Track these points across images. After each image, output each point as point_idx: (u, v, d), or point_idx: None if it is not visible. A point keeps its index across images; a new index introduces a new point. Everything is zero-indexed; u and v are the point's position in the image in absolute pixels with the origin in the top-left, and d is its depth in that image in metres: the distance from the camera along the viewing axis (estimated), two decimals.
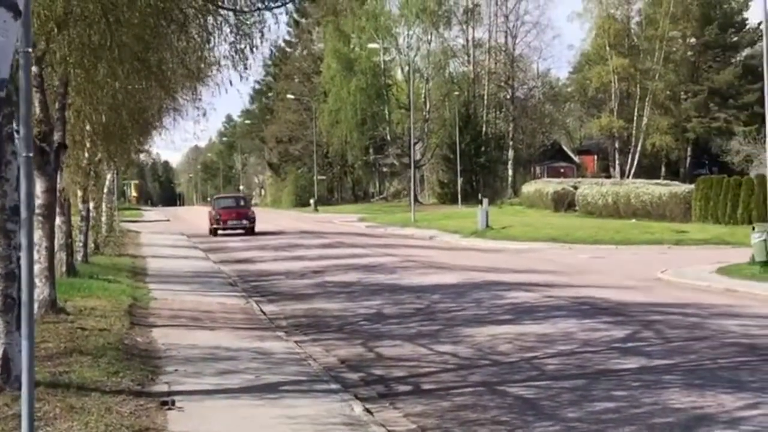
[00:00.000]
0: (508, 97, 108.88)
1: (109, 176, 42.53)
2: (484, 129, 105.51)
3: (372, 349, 17.41)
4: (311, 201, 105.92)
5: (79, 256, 29.37)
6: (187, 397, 12.28)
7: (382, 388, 13.98)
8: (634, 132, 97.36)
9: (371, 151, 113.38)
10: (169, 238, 54.92)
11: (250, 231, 57.19)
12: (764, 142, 67.17)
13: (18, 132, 11.17)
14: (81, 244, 30.70)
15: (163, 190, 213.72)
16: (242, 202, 62.99)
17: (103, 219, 43.12)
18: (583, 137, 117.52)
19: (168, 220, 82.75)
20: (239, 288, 27.67)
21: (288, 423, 11.10)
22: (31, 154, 8.37)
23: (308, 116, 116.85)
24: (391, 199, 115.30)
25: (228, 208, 59.45)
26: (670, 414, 12.08)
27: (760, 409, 12.33)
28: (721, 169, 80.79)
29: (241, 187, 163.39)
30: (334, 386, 13.51)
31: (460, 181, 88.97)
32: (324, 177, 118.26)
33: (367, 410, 12.08)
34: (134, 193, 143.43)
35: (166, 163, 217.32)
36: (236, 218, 58.07)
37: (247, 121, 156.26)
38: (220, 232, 57.60)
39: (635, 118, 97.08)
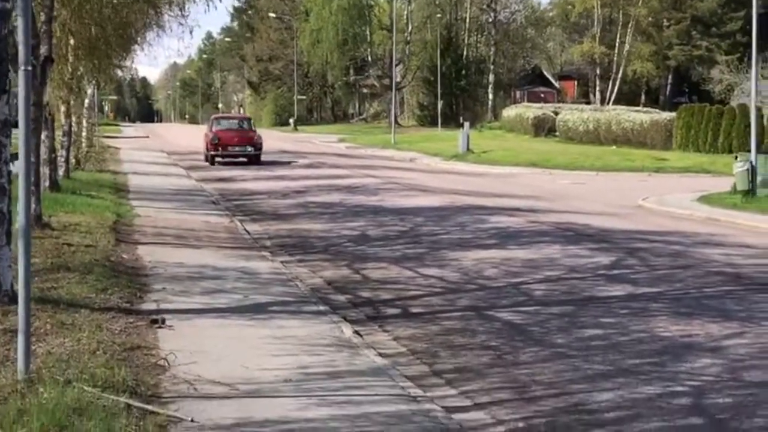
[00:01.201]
0: (490, 20, 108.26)
1: (89, 91, 42.12)
2: (465, 52, 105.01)
3: (358, 270, 17.40)
4: (291, 120, 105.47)
5: (61, 171, 29.17)
6: (177, 315, 12.25)
7: (370, 310, 13.99)
8: (615, 58, 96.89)
9: (352, 71, 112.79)
10: (149, 155, 54.57)
11: (255, 160, 47.76)
12: (746, 71, 67.17)
13: (6, 44, 11.02)
14: (63, 160, 30.49)
15: (140, 106, 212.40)
16: (246, 124, 51.50)
17: (84, 134, 42.80)
18: (564, 63, 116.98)
19: (147, 137, 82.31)
20: (222, 207, 27.58)
21: (278, 344, 11.08)
22: (30, 68, 8.25)
23: (289, 35, 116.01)
24: (370, 121, 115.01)
25: (229, 131, 48.85)
26: (658, 342, 12.13)
27: (746, 338, 12.41)
28: (701, 97, 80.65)
29: (220, 105, 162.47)
30: (322, 308, 13.50)
31: (440, 104, 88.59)
32: (304, 97, 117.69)
33: (357, 332, 12.08)
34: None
35: (144, 79, 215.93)
36: (239, 143, 47.85)
37: (227, 39, 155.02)
38: (218, 160, 47.58)
39: (617, 44, 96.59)
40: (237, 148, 47.69)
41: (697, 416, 9.17)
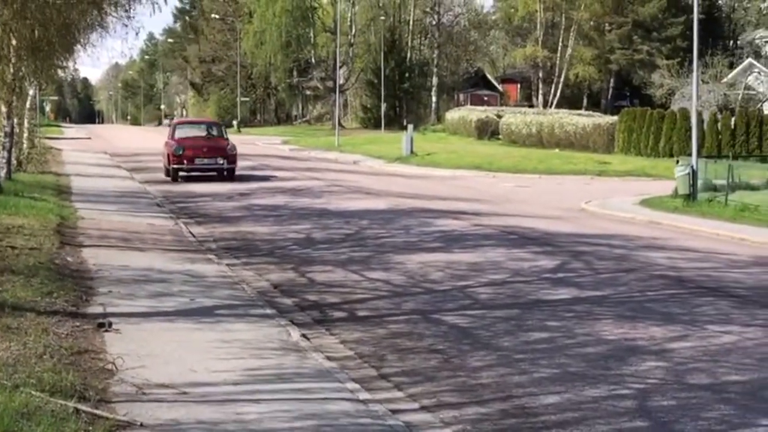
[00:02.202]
0: (434, 23, 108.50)
1: (31, 92, 41.73)
2: (408, 55, 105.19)
3: (304, 274, 17.41)
4: (234, 122, 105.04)
5: (2, 173, 28.91)
6: (123, 319, 12.21)
7: (317, 314, 14.01)
8: (557, 62, 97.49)
9: (295, 73, 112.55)
10: (92, 156, 54.07)
11: (228, 175, 38.61)
12: (686, 75, 67.82)
13: None
14: (5, 161, 30.21)
15: (81, 107, 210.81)
16: (215, 131, 41.79)
17: (25, 136, 42.41)
18: (507, 66, 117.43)
19: (89, 138, 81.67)
20: (166, 209, 27.47)
21: (225, 347, 11.08)
22: None
23: (232, 37, 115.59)
24: (314, 122, 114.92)
25: (196, 140, 39.57)
26: (603, 344, 12.26)
27: (689, 341, 12.56)
28: (643, 101, 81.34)
29: (163, 106, 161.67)
30: (269, 311, 13.51)
31: (383, 106, 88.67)
32: (247, 98, 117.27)
33: (304, 336, 12.10)
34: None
35: (85, 79, 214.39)
36: (208, 155, 38.46)
37: (170, 40, 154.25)
38: (182, 174, 38.38)
39: (559, 48, 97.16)
40: (206, 161, 38.22)
41: (642, 419, 9.27)
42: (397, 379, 10.60)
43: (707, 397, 10.02)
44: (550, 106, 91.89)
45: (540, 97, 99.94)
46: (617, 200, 33.83)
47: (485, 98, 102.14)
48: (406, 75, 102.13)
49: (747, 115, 54.76)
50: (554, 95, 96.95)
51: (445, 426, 9.01)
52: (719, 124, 53.97)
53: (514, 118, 69.34)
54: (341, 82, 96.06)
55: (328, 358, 11.02)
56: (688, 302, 15.40)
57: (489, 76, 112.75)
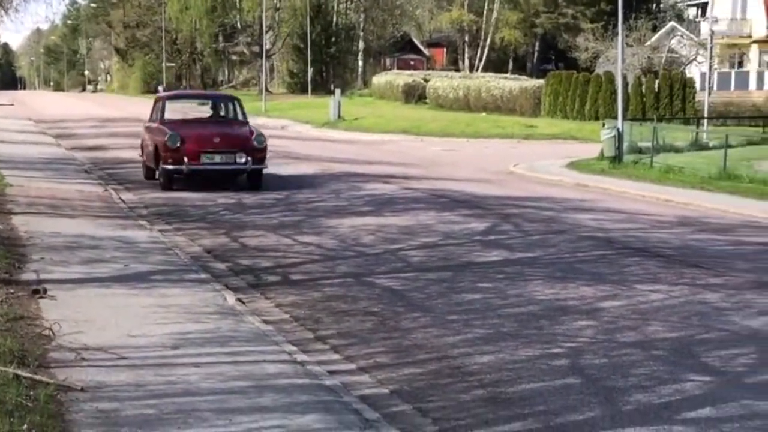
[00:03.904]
0: None
1: None
2: (335, 19, 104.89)
3: (236, 239, 17.44)
4: (160, 88, 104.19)
5: None
6: (58, 285, 12.20)
7: (251, 278, 14.08)
8: (483, 26, 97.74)
9: (221, 39, 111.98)
10: (16, 123, 53.50)
11: (253, 180, 25.02)
12: (611, 39, 68.28)
13: None
14: None
15: (2, 73, 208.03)
16: (228, 109, 27.75)
17: None
18: (433, 30, 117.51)
19: (12, 105, 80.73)
20: (95, 175, 27.29)
21: (162, 312, 11.13)
22: None
23: (157, 2, 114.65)
24: (240, 88, 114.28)
25: (199, 125, 26.80)
26: (535, 305, 12.45)
27: (618, 300, 12.80)
28: (568, 65, 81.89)
29: (87, 72, 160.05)
30: (203, 276, 13.55)
31: (310, 71, 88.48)
32: (173, 64, 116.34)
33: (240, 300, 12.18)
34: None
35: (6, 45, 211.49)
36: (221, 148, 24.62)
37: (93, 5, 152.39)
38: (177, 177, 24.59)
39: (485, 11, 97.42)
40: (218, 158, 24.46)
41: (574, 376, 9.47)
42: (333, 341, 10.71)
43: (637, 354, 10.24)
44: (477, 70, 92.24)
45: (466, 61, 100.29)
46: (544, 163, 34.13)
47: (412, 62, 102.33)
48: (333, 40, 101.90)
49: (671, 78, 55.39)
50: (480, 59, 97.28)
51: (381, 386, 9.15)
52: (644, 87, 54.61)
53: (441, 82, 69.54)
54: (268, 47, 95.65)
55: (265, 322, 11.12)
56: (616, 262, 15.67)
57: (415, 41, 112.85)
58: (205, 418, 7.68)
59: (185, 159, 23.96)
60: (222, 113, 27.71)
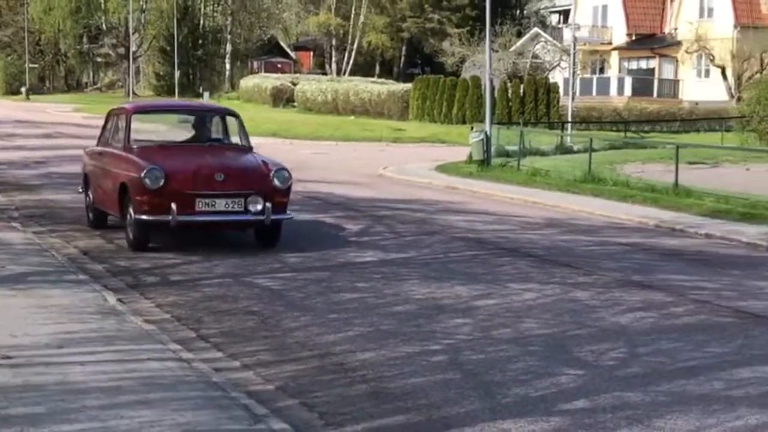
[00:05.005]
0: None
1: None
2: (201, 22, 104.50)
3: (112, 240, 17.40)
4: (22, 89, 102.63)
5: None
6: None
7: (130, 278, 14.11)
8: (350, 30, 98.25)
9: (86, 40, 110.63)
10: None
11: (271, 234, 17.09)
12: (477, 44, 69.23)
13: None
14: None
15: None
16: (222, 128, 18.84)
17: None
18: (300, 34, 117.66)
19: None
20: None
21: (44, 313, 11.13)
22: None
23: (19, 2, 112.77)
24: (105, 90, 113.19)
25: (189, 153, 17.70)
26: (412, 303, 12.74)
27: (493, 299, 13.15)
28: (434, 69, 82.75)
29: None
30: (82, 277, 13.55)
31: (177, 73, 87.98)
32: (36, 65, 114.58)
33: (120, 300, 12.22)
34: None
35: None
36: (227, 189, 16.28)
37: None
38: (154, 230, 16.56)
39: (352, 15, 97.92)
40: (223, 203, 16.26)
41: (454, 372, 9.75)
42: (216, 339, 10.84)
43: (513, 350, 10.57)
44: (344, 74, 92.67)
45: (333, 64, 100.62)
46: (414, 166, 34.58)
47: (279, 66, 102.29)
48: (200, 42, 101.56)
49: (535, 83, 56.50)
50: (347, 63, 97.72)
51: (267, 382, 9.31)
52: (510, 92, 55.54)
53: (309, 85, 69.83)
54: (134, 49, 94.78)
55: (147, 321, 11.19)
56: (489, 262, 16.05)
57: (282, 44, 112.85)
58: (94, 415, 7.76)
59: (173, 206, 15.72)
60: (212, 135, 18.75)
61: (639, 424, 8.33)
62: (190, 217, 16.06)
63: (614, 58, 78.62)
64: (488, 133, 33.78)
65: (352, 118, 59.14)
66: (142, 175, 15.92)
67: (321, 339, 10.89)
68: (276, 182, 16.54)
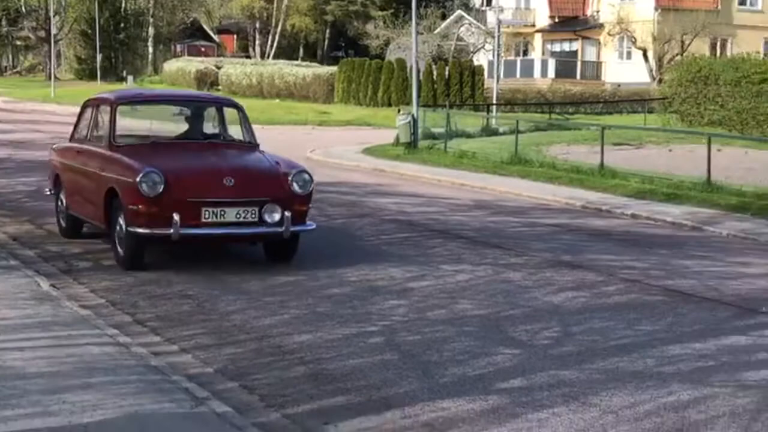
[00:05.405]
0: None
1: None
2: (123, 5, 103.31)
3: (41, 226, 17.27)
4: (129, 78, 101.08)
5: None
6: None
7: (62, 264, 14.03)
8: (274, 13, 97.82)
9: (4, 23, 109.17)
10: None
11: (288, 248, 14.43)
12: (401, 27, 69.31)
13: None
14: None
15: None
16: (221, 121, 16.14)
17: None
18: (223, 17, 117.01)
19: None
20: None
21: None
22: None
23: None
24: (25, 74, 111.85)
25: (194, 155, 14.67)
26: (347, 286, 12.82)
27: (426, 281, 13.29)
28: (358, 52, 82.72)
29: None
30: (13, 262, 13.46)
31: (99, 57, 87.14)
32: None
33: (53, 286, 12.17)
34: None
35: None
36: (238, 196, 13.66)
37: None
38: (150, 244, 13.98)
39: None
40: (234, 213, 13.61)
41: (391, 352, 9.84)
42: (152, 324, 10.83)
43: (449, 330, 10.69)
44: (268, 57, 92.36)
45: (257, 48, 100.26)
46: (341, 149, 34.64)
47: (203, 49, 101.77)
48: (122, 25, 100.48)
49: (460, 65, 56.74)
50: (271, 46, 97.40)
51: (206, 366, 9.34)
52: (435, 74, 55.70)
53: (234, 68, 69.56)
54: (54, 32, 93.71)
55: (83, 306, 11.16)
56: (420, 244, 16.19)
57: (206, 27, 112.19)
58: (36, 400, 7.75)
59: (175, 217, 13.23)
60: (209, 129, 16.11)
61: (575, 401, 8.48)
62: (195, 230, 13.49)
63: (538, 41, 79.19)
64: (415, 115, 33.91)
65: (278, 101, 59.03)
66: (138, 179, 13.24)
67: (258, 322, 10.94)
68: (295, 187, 13.97)
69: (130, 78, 60.12)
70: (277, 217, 13.66)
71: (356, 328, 10.71)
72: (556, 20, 77.43)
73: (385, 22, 76.14)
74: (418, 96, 36.24)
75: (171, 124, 16.70)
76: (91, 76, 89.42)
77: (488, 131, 39.80)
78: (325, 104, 56.29)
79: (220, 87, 68.80)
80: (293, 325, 10.79)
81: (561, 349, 10.10)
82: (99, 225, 14.76)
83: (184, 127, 15.93)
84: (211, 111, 16.28)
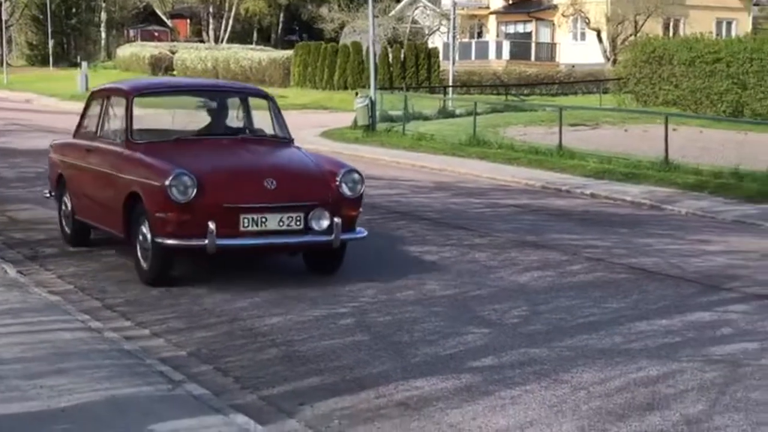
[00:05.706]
0: None
1: None
2: None
3: (3, 213, 17.24)
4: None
5: None
6: None
7: (28, 250, 14.00)
8: None
9: None
10: None
11: (334, 258, 12.67)
12: (356, 10, 69.32)
13: None
14: None
15: None
16: (249, 114, 14.16)
17: None
18: (176, 1, 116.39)
19: None
20: None
21: None
22: None
23: None
24: None
25: (227, 153, 12.78)
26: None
27: (393, 262, 13.35)
28: (312, 35, 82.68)
29: None
30: None
31: (51, 43, 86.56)
32: None
33: (20, 272, 12.16)
34: None
35: None
36: (281, 201, 11.89)
37: None
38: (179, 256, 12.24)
39: None
40: (276, 221, 11.78)
41: (363, 333, 9.92)
42: (122, 309, 10.86)
43: (418, 311, 10.79)
44: (221, 42, 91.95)
45: (211, 32, 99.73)
46: (299, 133, 34.20)
47: (156, 34, 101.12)
48: (73, 11, 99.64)
49: (416, 48, 56.83)
50: (225, 30, 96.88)
51: (179, 349, 9.39)
52: (390, 57, 55.74)
53: (189, 53, 69.32)
54: (5, 17, 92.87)
55: (52, 292, 11.17)
56: (384, 226, 16.26)
57: (158, 12, 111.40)
58: (15, 385, 7.77)
59: (210, 225, 11.44)
60: (234, 122, 14.17)
61: (546, 378, 8.60)
62: (233, 241, 11.70)
63: (492, 23, 79.33)
64: (373, 98, 33.96)
65: None
66: (167, 183, 11.46)
67: (228, 305, 10.99)
68: (345, 189, 12.33)
69: (84, 64, 59.64)
70: (325, 224, 11.99)
71: (326, 309, 10.78)
72: (510, 2, 77.61)
73: (339, 6, 76.02)
74: (375, 79, 36.27)
75: (188, 117, 14.85)
76: (44, 62, 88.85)
77: (445, 113, 39.92)
78: (281, 88, 56.10)
79: (175, 72, 68.52)
80: (263, 308, 10.85)
81: (530, 328, 10.22)
82: (116, 234, 12.98)
83: (205, 120, 14.01)
84: (238, 102, 14.28)
